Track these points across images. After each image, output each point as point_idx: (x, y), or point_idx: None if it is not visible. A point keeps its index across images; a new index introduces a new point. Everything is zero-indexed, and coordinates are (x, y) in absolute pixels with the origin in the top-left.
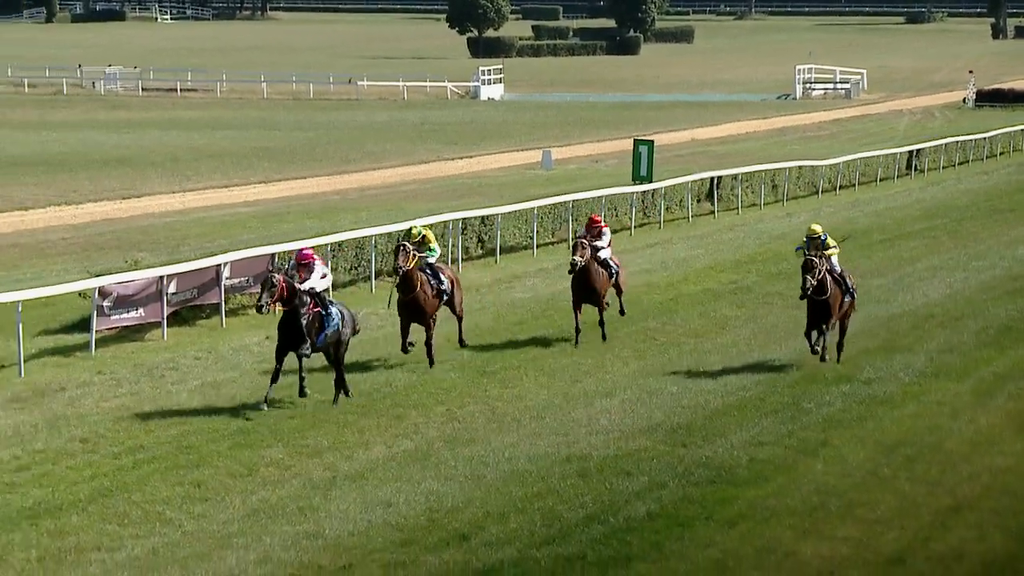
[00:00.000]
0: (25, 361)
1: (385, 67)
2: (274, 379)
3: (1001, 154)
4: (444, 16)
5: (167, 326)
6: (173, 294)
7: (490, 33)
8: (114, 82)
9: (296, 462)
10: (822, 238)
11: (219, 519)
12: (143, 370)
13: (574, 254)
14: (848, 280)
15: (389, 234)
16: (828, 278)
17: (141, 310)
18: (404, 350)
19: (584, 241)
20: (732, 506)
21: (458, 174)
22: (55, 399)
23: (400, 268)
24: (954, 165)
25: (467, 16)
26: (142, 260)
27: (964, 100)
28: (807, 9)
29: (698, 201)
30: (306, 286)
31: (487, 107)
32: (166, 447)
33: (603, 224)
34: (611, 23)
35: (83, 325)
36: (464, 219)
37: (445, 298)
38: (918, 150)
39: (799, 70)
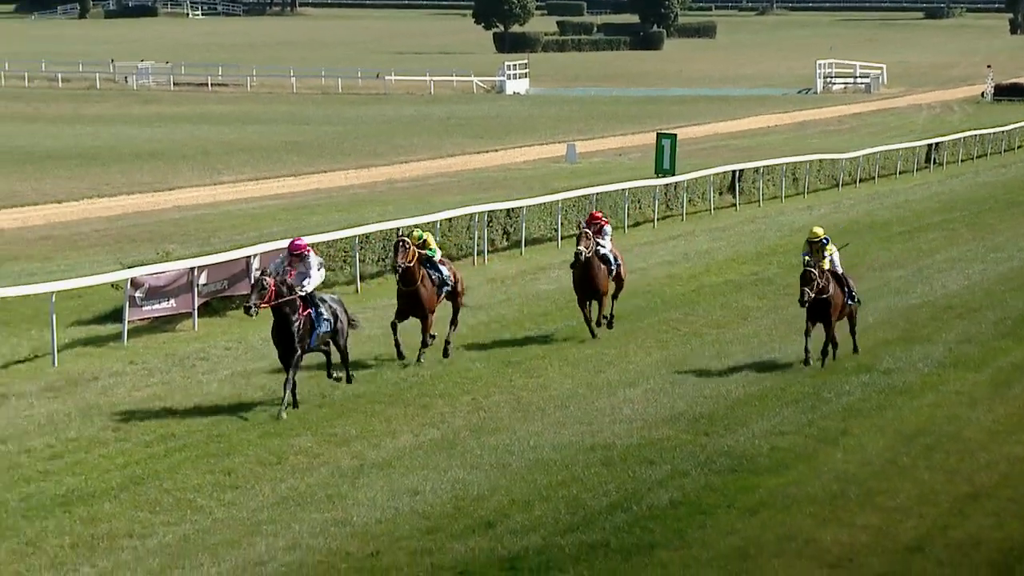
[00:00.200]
0: (59, 351)
1: (412, 62)
2: (286, 387)
3: (1019, 147)
4: (470, 12)
5: (198, 316)
6: (204, 285)
7: (516, 28)
8: (146, 77)
9: (324, 450)
10: (823, 241)
11: (249, 506)
12: (174, 360)
13: (579, 244)
14: (850, 284)
15: (416, 226)
16: (830, 281)
17: (172, 301)
18: (400, 355)
19: (589, 231)
20: (753, 494)
21: (484, 167)
22: (88, 388)
23: (399, 266)
24: (972, 158)
25: (493, 12)
26: (173, 252)
27: (982, 94)
28: (828, 4)
29: (720, 194)
30: (309, 288)
31: (513, 101)
32: (197, 436)
33: (604, 220)
34: (635, 19)
35: (115, 316)
36: (490, 211)
37: (447, 290)
38: (937, 144)
39: (820, 65)
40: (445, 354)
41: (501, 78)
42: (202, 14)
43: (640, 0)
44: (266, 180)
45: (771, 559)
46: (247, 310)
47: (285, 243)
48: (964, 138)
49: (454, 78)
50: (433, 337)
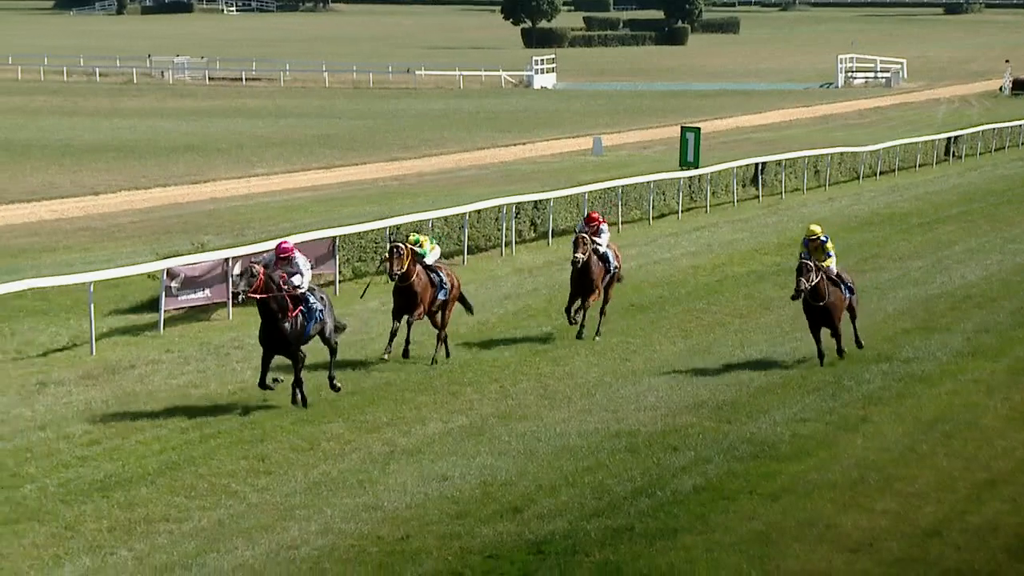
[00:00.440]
0: (97, 340)
1: (442, 57)
2: (263, 383)
3: None
4: (499, 8)
5: (232, 306)
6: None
7: (543, 24)
8: (182, 72)
9: (356, 437)
10: (822, 239)
11: (282, 491)
12: (209, 348)
13: (575, 251)
14: (845, 278)
15: (445, 218)
16: (825, 282)
17: (207, 291)
18: (402, 352)
19: (585, 236)
20: (775, 480)
21: (512, 160)
22: (125, 376)
23: (395, 275)
24: (990, 151)
25: (521, 8)
26: (208, 243)
27: (1000, 89)
28: (849, 0)
29: (743, 186)
30: (301, 283)
31: (540, 96)
32: (231, 422)
33: (601, 220)
34: (660, 14)
35: (152, 305)
36: (518, 203)
37: (445, 294)
38: (956, 137)
39: (841, 59)
40: (447, 354)
41: (529, 73)
42: (236, 10)
43: None
44: (299, 173)
45: (792, 543)
46: (236, 296)
47: (317, 234)
48: (982, 131)
49: (483, 73)
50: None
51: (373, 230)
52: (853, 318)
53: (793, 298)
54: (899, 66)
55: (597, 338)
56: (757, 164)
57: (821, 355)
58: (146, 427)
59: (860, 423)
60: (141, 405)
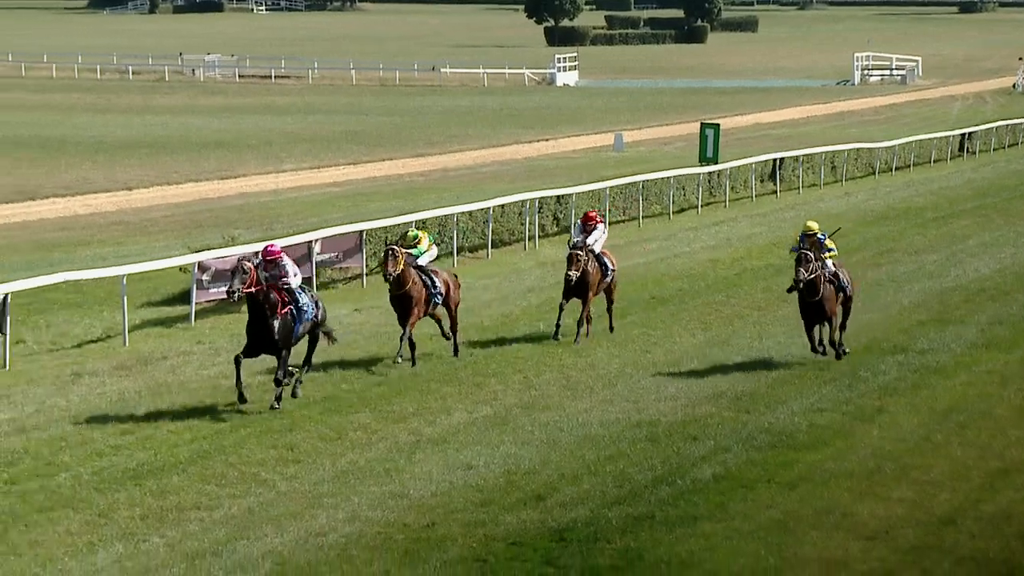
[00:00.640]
0: (130, 331)
1: (466, 55)
2: (239, 380)
3: None
4: (522, 7)
5: None
6: None
7: (566, 23)
8: (213, 70)
9: (382, 427)
10: (820, 237)
11: (310, 480)
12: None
13: (569, 268)
14: (842, 276)
15: (470, 213)
16: (821, 279)
17: None
18: (405, 339)
19: (579, 253)
20: (793, 469)
21: (535, 156)
22: (157, 367)
23: (389, 275)
24: (1004, 147)
25: (544, 7)
26: (238, 237)
27: (1014, 86)
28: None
29: (761, 181)
30: (294, 284)
31: (563, 93)
32: (261, 412)
33: (598, 219)
34: (680, 13)
35: (183, 298)
36: (540, 198)
37: (439, 300)
38: (970, 133)
39: (857, 58)
40: (455, 352)
41: (552, 70)
42: (266, 9)
43: None
44: (326, 168)
45: (809, 531)
46: (229, 295)
47: (345, 228)
48: (996, 128)
49: (507, 71)
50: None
51: (399, 224)
52: (843, 321)
53: (789, 290)
54: (914, 64)
55: (611, 332)
56: (775, 160)
57: (815, 349)
58: (177, 417)
59: (876, 413)
60: (173, 395)
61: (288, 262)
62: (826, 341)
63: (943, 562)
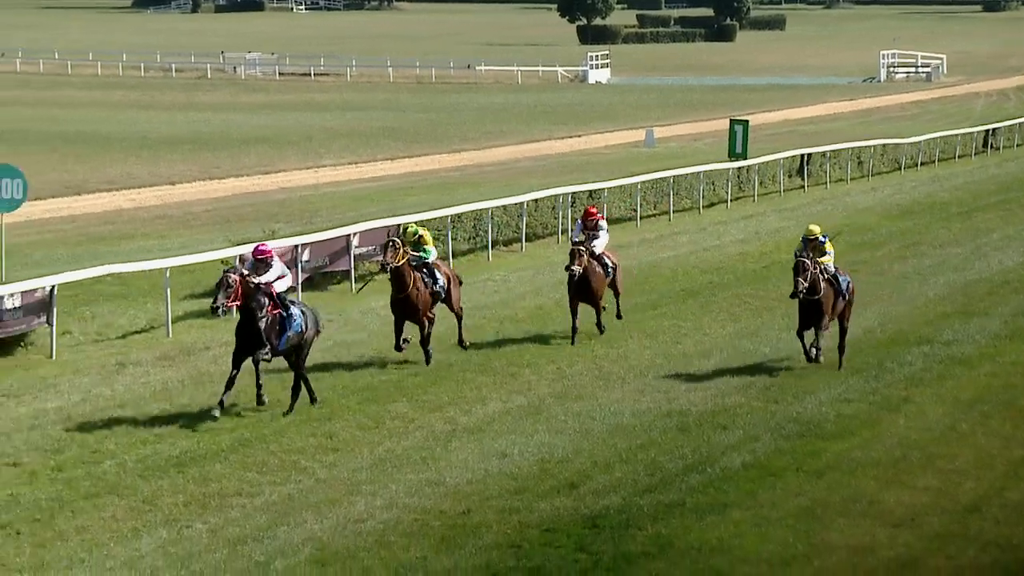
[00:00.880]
0: (173, 323)
1: (501, 53)
2: (229, 385)
3: None
4: (556, 6)
5: (301, 291)
6: (307, 262)
7: (598, 22)
8: (254, 67)
9: (419, 416)
10: (821, 240)
11: (349, 467)
12: None
13: (572, 263)
14: (841, 279)
15: (505, 207)
16: (821, 279)
17: None
18: (398, 348)
19: (581, 248)
20: (820, 458)
21: (568, 152)
22: (200, 357)
23: (387, 264)
24: None
25: (577, 6)
26: (279, 230)
27: None
28: None
29: (789, 176)
30: (262, 280)
31: (595, 90)
32: (301, 401)
33: (599, 217)
34: (710, 12)
35: None
36: (573, 193)
37: (441, 296)
38: (994, 129)
39: (883, 55)
40: (462, 346)
41: (584, 68)
42: (305, 9)
43: None
44: (364, 164)
45: (837, 518)
46: (214, 311)
47: (382, 222)
48: (1020, 124)
49: (540, 68)
50: (407, 341)
51: (436, 218)
52: (843, 332)
53: (792, 296)
54: (939, 61)
55: (619, 319)
56: (803, 155)
57: (807, 353)
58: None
59: (902, 403)
60: (215, 385)
61: (277, 264)
62: (832, 347)
63: (968, 549)
